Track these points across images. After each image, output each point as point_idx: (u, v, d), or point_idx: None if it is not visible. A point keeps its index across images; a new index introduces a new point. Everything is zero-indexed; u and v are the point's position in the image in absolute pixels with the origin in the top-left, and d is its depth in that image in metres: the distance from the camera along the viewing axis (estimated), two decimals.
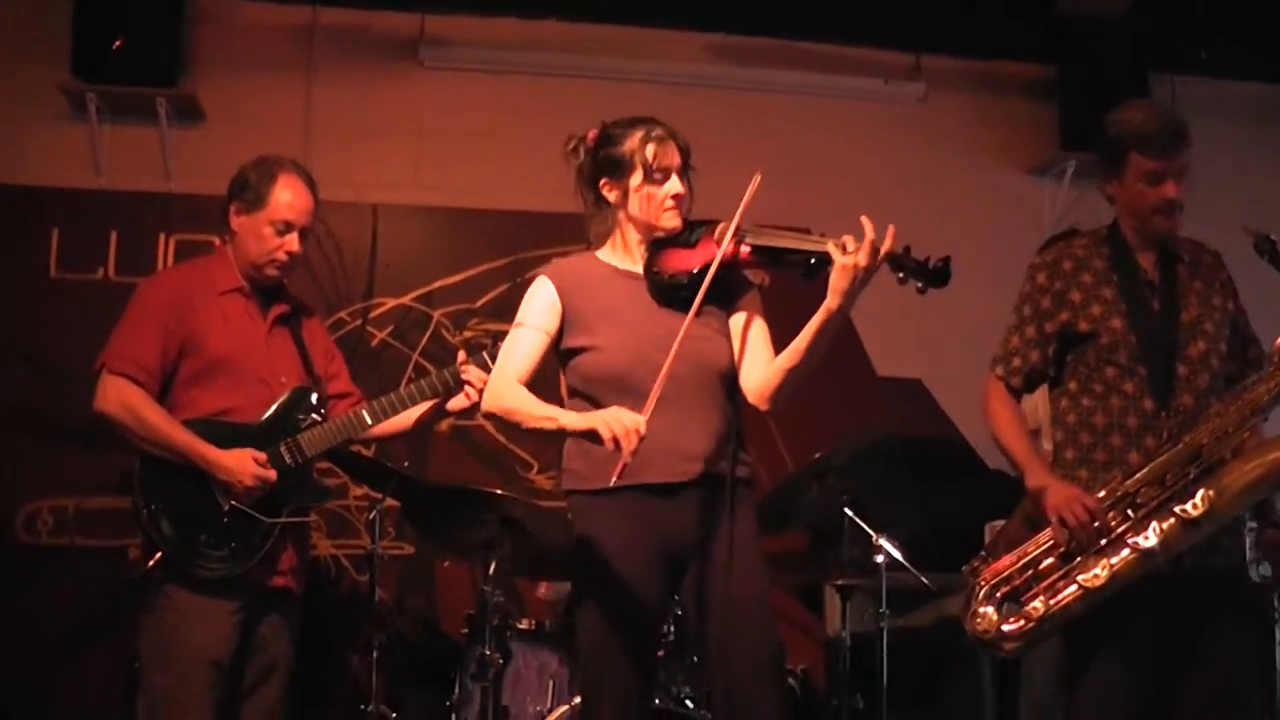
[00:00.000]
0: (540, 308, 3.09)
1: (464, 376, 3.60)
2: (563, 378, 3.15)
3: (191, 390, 3.50)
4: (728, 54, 5.82)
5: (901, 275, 2.78)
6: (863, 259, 2.74)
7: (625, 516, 2.95)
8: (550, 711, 3.89)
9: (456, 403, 3.67)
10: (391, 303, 5.47)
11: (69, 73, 5.10)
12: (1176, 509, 2.99)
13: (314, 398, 3.64)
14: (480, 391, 3.57)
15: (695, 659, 3.99)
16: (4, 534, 5.05)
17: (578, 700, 3.84)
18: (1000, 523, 4.50)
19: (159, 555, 3.39)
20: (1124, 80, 5.65)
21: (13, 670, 4.82)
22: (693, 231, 3.06)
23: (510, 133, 5.56)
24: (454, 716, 4.04)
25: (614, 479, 2.77)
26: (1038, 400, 4.40)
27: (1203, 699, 3.05)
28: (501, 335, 3.70)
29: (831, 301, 2.81)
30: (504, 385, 3.02)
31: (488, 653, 3.76)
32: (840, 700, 4.46)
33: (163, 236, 5.31)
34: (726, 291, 3.08)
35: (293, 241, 3.59)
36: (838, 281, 2.78)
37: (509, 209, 5.56)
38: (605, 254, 3.16)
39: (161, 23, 5.16)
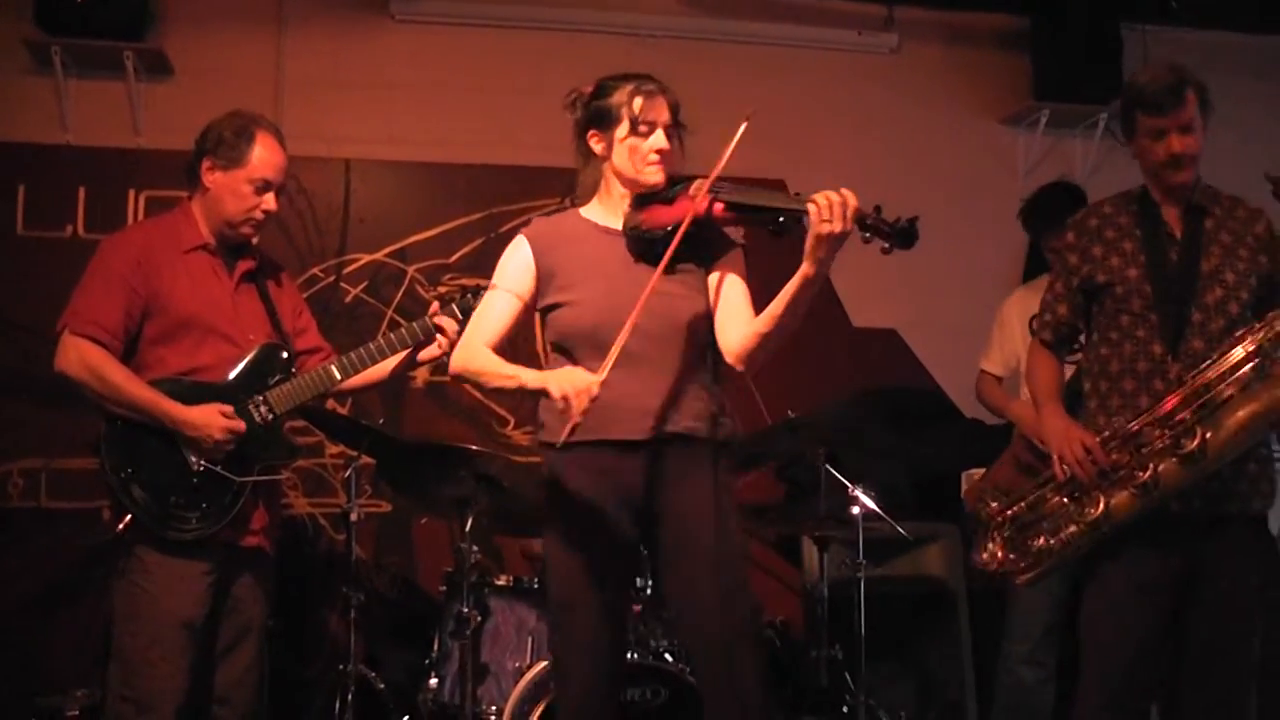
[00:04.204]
0: (515, 271, 3.10)
1: (439, 324, 3.58)
2: (539, 334, 3.13)
3: (158, 350, 3.46)
4: (700, 6, 5.78)
5: (867, 236, 2.73)
6: (837, 225, 2.70)
7: (589, 471, 2.97)
8: (529, 667, 3.88)
9: (428, 352, 3.66)
10: (365, 258, 5.42)
11: (33, 25, 5.01)
12: (1176, 447, 3.04)
13: (283, 355, 3.60)
14: (452, 342, 3.57)
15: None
16: None
17: None
18: (977, 471, 4.53)
19: (129, 517, 3.36)
20: (1096, 30, 5.65)
21: None
22: (673, 188, 3.05)
23: (483, 86, 5.52)
24: (433, 674, 4.04)
25: (562, 438, 2.81)
26: (1018, 345, 4.45)
27: (1205, 639, 3.13)
28: (475, 290, 3.72)
29: (808, 268, 2.79)
30: (471, 348, 3.07)
31: (466, 610, 3.75)
32: (819, 651, 4.48)
33: (132, 193, 5.23)
34: (706, 249, 3.07)
35: (270, 200, 3.57)
36: (814, 248, 2.75)
37: (482, 163, 5.52)
38: (589, 210, 3.16)
39: None
